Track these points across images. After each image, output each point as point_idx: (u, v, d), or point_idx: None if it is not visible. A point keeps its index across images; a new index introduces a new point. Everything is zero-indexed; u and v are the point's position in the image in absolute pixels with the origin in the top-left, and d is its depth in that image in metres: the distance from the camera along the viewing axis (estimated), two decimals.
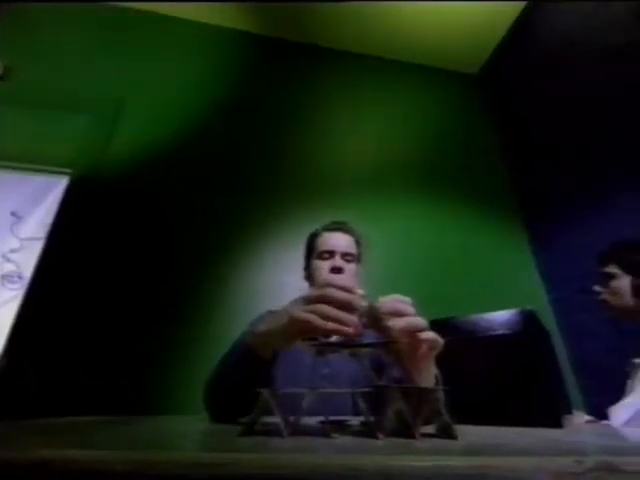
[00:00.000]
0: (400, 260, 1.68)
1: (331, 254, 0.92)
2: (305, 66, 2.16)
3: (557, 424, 0.50)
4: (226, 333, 0.95)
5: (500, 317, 0.61)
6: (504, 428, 0.46)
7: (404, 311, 0.46)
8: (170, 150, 1.70)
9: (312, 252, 0.97)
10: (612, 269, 1.07)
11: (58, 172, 1.51)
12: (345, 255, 0.92)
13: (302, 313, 0.44)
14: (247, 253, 1.55)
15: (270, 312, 0.84)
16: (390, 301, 0.47)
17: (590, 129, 1.63)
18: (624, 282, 1.04)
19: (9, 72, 1.63)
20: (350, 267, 0.91)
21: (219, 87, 1.94)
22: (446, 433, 0.35)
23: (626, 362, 1.03)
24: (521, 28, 2.09)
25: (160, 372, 1.26)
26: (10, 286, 1.31)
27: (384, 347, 0.45)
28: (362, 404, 0.36)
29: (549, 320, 1.66)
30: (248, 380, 0.45)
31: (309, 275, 0.97)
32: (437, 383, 0.54)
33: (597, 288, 1.13)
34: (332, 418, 0.39)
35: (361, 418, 0.37)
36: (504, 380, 0.57)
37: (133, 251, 1.44)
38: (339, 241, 0.94)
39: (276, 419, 0.34)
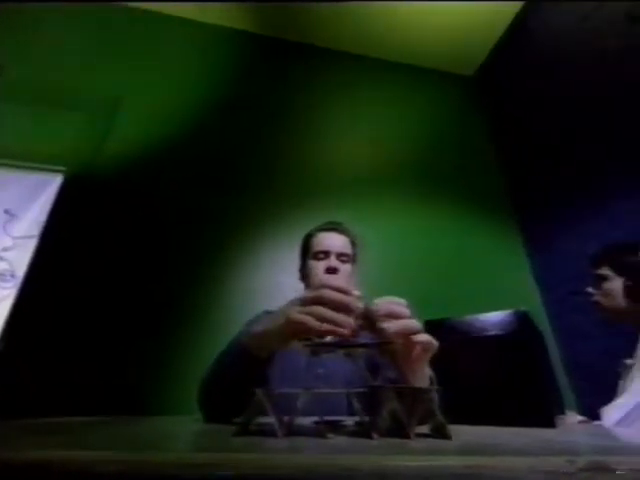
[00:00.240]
0: (395, 261, 1.69)
1: (326, 254, 0.91)
2: (302, 66, 2.17)
3: (550, 424, 0.50)
4: (221, 333, 0.94)
5: (494, 318, 0.61)
6: (498, 428, 0.47)
7: (399, 313, 0.47)
8: (165, 149, 1.69)
9: (307, 252, 0.96)
10: (605, 271, 1.08)
11: (52, 170, 1.50)
12: (340, 255, 0.92)
13: (298, 314, 0.44)
14: (243, 253, 1.54)
15: (267, 312, 0.84)
16: (385, 303, 0.48)
17: (585, 130, 1.64)
18: (616, 284, 1.05)
19: (3, 70, 1.61)
20: (345, 267, 0.90)
21: (215, 86, 1.93)
22: (440, 433, 0.35)
23: (618, 363, 1.04)
24: (517, 29, 2.10)
25: (155, 372, 1.25)
26: (3, 285, 1.29)
27: (379, 348, 0.45)
28: (357, 404, 0.36)
29: (542, 321, 1.67)
30: (243, 380, 0.45)
31: (304, 275, 0.97)
32: (431, 384, 0.54)
33: (590, 290, 1.13)
34: (327, 418, 0.39)
35: (356, 418, 0.37)
36: (498, 380, 0.58)
37: (128, 250, 1.43)
38: (334, 241, 0.94)
39: (270, 419, 0.34)
